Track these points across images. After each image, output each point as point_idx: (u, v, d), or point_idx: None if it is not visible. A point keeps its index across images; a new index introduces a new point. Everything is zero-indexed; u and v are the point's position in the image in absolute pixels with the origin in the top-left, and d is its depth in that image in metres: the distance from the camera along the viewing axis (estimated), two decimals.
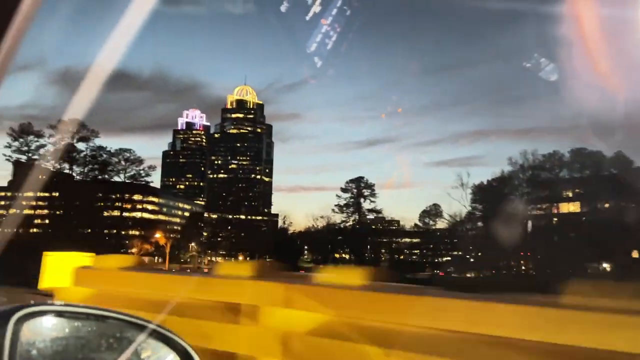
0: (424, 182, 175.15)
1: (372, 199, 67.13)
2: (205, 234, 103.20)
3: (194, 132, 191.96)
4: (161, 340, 2.54)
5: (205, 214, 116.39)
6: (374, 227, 66.94)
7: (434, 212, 63.53)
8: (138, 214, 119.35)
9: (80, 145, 74.33)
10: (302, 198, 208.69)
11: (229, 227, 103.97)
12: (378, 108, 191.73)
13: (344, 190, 68.60)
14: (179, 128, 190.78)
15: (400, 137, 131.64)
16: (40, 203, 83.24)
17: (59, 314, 2.37)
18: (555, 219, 56.97)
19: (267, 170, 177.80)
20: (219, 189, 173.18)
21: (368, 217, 67.11)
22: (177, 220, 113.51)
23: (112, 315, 2.49)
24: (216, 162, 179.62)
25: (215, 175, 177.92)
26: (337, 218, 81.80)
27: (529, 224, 58.46)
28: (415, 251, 72.37)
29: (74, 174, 73.15)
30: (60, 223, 68.65)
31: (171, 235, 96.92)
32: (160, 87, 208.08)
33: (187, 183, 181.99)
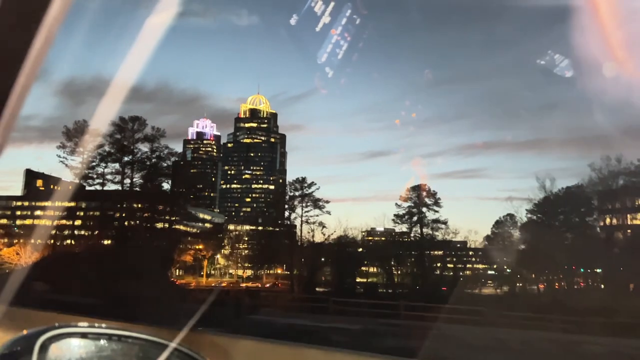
0: None
1: (436, 208, 63.73)
2: (227, 245, 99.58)
3: (205, 142, 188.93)
4: (183, 359, 2.63)
5: (232, 226, 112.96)
6: (436, 239, 63.41)
7: (509, 222, 60.44)
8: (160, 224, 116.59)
9: (143, 147, 69.08)
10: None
11: (247, 238, 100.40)
12: (381, 120, 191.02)
13: (404, 199, 65.27)
14: (189, 138, 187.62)
15: (403, 148, 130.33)
16: (61, 214, 79.18)
17: (83, 335, 2.44)
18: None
19: (280, 181, 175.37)
20: (232, 199, 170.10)
21: (432, 227, 63.53)
22: (195, 231, 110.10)
23: (134, 335, 2.58)
24: (229, 172, 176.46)
25: (228, 185, 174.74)
26: (377, 229, 78.22)
27: (615, 235, 55.63)
28: (481, 266, 69.31)
29: (129, 179, 68.33)
30: (118, 236, 64.60)
31: (197, 247, 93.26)
32: (164, 98, 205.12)
33: (197, 193, 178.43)
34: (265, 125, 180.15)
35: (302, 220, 72.05)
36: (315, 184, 75.00)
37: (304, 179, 72.98)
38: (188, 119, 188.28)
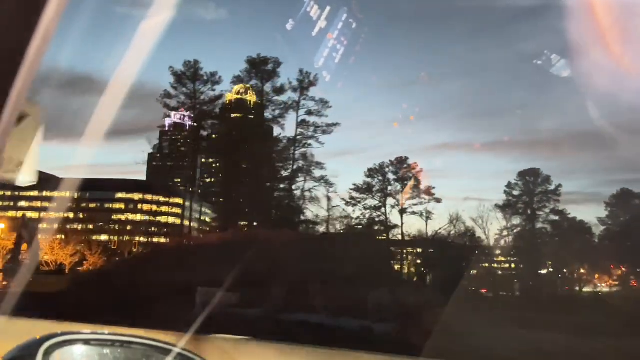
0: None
1: (556, 197, 55.97)
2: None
3: (184, 133, 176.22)
4: None
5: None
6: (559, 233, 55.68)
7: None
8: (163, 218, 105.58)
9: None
10: None
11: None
12: (345, 119, 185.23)
13: (510, 186, 57.34)
14: (166, 128, 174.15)
15: (369, 148, 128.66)
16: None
17: (86, 341, 2.39)
18: None
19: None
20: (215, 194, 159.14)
21: (547, 219, 55.98)
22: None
23: (137, 341, 2.51)
24: (213, 164, 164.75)
25: (211, 179, 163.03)
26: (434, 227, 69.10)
27: None
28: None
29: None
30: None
31: None
32: (129, 91, 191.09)
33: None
34: (252, 117, 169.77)
35: (401, 209, 57.53)
36: (418, 165, 59.87)
37: (405, 159, 59.08)
38: (148, 114, 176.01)
